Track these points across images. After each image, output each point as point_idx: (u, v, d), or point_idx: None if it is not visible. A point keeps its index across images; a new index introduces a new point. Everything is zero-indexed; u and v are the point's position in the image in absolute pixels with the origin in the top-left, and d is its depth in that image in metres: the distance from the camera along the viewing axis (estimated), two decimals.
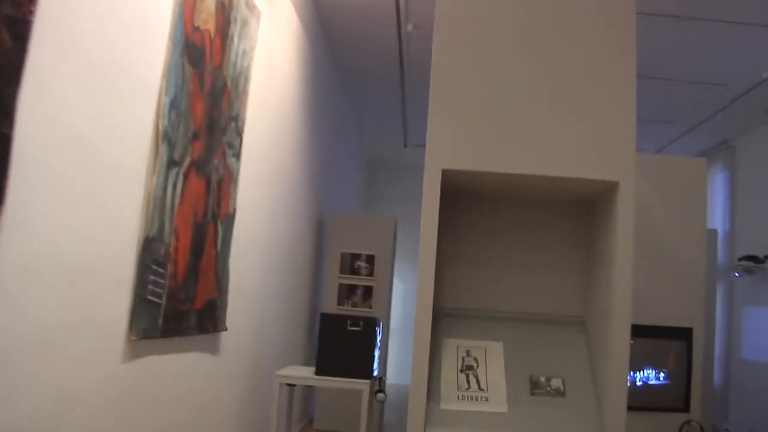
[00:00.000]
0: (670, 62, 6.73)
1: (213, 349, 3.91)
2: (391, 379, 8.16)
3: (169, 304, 3.11)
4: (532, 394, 2.09)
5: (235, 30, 3.76)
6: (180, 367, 3.40)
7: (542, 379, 2.12)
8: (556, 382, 2.12)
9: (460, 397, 2.06)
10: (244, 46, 3.97)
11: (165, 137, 2.95)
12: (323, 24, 6.65)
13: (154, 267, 2.92)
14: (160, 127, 2.90)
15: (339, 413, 7.08)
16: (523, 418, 2.03)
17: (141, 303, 2.83)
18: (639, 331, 3.79)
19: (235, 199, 3.98)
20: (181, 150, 3.13)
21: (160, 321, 3.03)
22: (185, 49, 3.11)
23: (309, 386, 6.14)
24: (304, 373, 4.79)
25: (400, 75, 7.70)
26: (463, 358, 2.16)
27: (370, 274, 7.58)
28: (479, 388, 2.09)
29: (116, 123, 2.59)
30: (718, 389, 8.33)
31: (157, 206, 2.92)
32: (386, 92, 8.45)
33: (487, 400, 2.07)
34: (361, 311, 7.31)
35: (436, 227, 1.99)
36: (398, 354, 11.51)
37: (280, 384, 4.66)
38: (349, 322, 4.77)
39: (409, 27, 6.40)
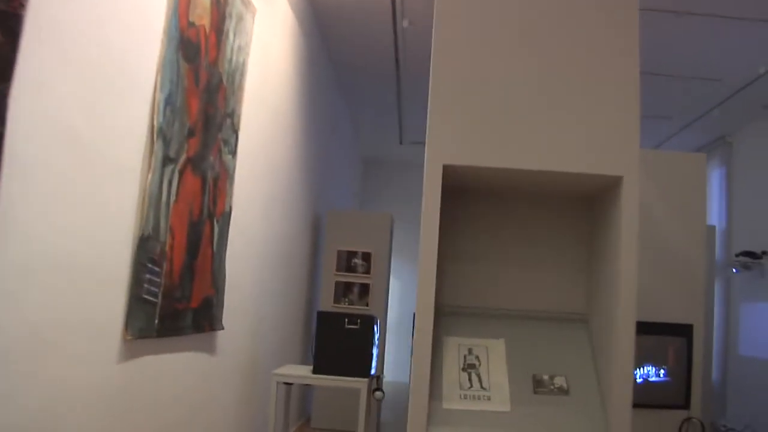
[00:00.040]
0: (667, 57, 6.71)
1: (209, 348, 3.87)
2: (387, 376, 8.14)
3: (165, 303, 3.07)
4: (535, 392, 2.06)
5: (230, 26, 3.72)
6: (176, 366, 3.36)
7: (545, 377, 2.09)
8: (559, 381, 2.08)
9: (462, 396, 2.03)
10: (240, 41, 3.93)
11: (160, 134, 2.91)
12: (318, 20, 6.61)
13: (149, 266, 2.88)
14: (155, 123, 2.86)
15: (336, 411, 7.04)
16: (527, 417, 2.00)
17: (136, 302, 2.80)
18: (639, 328, 3.73)
19: (231, 197, 3.94)
20: (176, 147, 3.09)
21: (156, 320, 2.99)
22: (180, 44, 3.07)
23: (306, 385, 6.11)
24: (302, 372, 4.76)
25: (396, 71, 7.67)
26: (464, 357, 2.13)
27: (367, 271, 7.55)
28: (481, 386, 2.05)
29: (111, 120, 2.55)
30: (716, 385, 8.31)
31: (152, 204, 2.88)
32: (382, 89, 8.41)
33: (489, 399, 2.03)
34: (358, 309, 7.28)
35: (437, 224, 1.96)
36: (395, 351, 11.48)
37: (278, 383, 4.63)
38: (346, 320, 4.74)
39: (405, 23, 6.37)
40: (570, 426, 1.99)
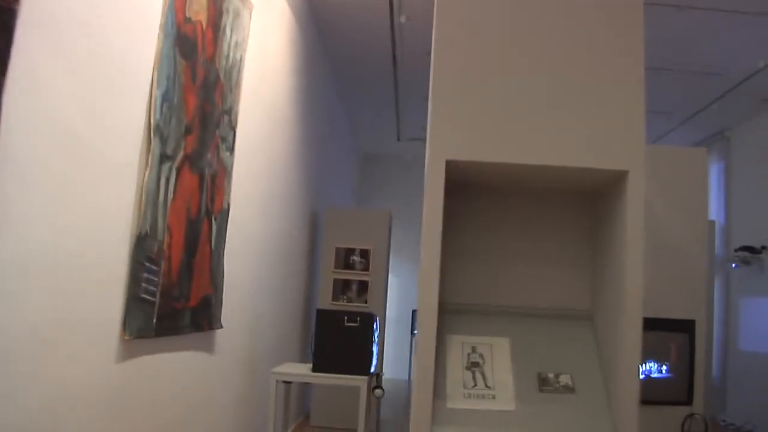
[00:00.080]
0: (666, 52, 6.68)
1: (208, 347, 3.84)
2: (386, 373, 8.11)
3: (163, 302, 3.04)
4: (541, 391, 2.03)
5: (227, 21, 3.68)
6: (175, 366, 3.33)
7: (550, 375, 2.06)
8: (564, 379, 2.05)
9: (466, 395, 2.00)
10: (237, 37, 3.89)
11: (157, 131, 2.87)
12: (315, 15, 6.57)
13: (147, 264, 2.85)
14: (152, 120, 2.83)
15: (336, 409, 7.01)
16: (532, 415, 1.97)
17: (134, 301, 2.76)
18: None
19: (229, 195, 3.91)
20: (173, 144, 3.05)
21: (154, 319, 2.96)
22: (177, 40, 3.03)
23: (305, 383, 6.08)
24: (301, 370, 4.73)
25: (393, 67, 7.64)
26: (468, 355, 2.09)
27: (365, 268, 7.51)
28: (486, 385, 2.02)
29: (107, 117, 2.52)
30: (716, 381, 8.30)
31: (149, 202, 2.84)
32: (379, 85, 8.38)
33: (494, 398, 2.00)
34: (357, 306, 7.24)
35: (440, 221, 1.92)
36: (394, 348, 11.46)
37: (277, 381, 4.60)
38: (345, 318, 4.71)
39: (403, 18, 6.34)
40: (576, 424, 1.96)
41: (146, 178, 2.80)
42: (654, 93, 7.68)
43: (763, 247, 7.82)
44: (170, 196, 3.05)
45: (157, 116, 2.86)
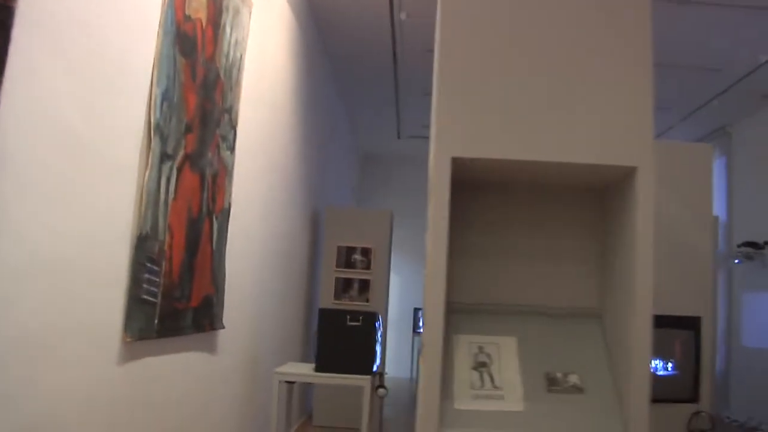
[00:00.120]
0: (667, 47, 6.64)
1: (210, 347, 3.81)
2: (388, 372, 8.08)
3: (165, 303, 3.01)
4: (549, 391, 2.00)
5: (227, 19, 3.65)
6: (177, 367, 3.30)
7: (559, 375, 2.03)
8: (573, 378, 2.02)
9: (474, 396, 1.97)
10: (237, 36, 3.86)
11: (157, 130, 2.84)
12: (314, 13, 6.53)
13: (148, 265, 2.82)
14: (152, 120, 2.79)
15: (338, 409, 6.98)
16: (541, 416, 1.94)
17: (135, 303, 2.73)
18: None
19: (230, 194, 3.88)
20: (173, 144, 3.02)
21: (156, 321, 2.93)
22: (176, 38, 3.00)
23: (308, 382, 6.06)
24: (303, 370, 4.70)
25: (393, 65, 7.60)
26: (475, 355, 2.06)
27: (367, 267, 7.49)
28: (493, 386, 1.99)
29: (106, 116, 2.49)
30: (719, 377, 8.27)
31: (150, 202, 2.81)
32: (379, 83, 8.34)
33: (502, 398, 1.97)
34: (359, 305, 7.21)
35: (447, 219, 1.89)
36: (396, 347, 11.43)
37: (279, 381, 4.57)
38: (348, 317, 4.68)
39: (403, 16, 6.31)
40: (586, 425, 1.93)
41: (147, 177, 2.77)
42: (654, 88, 7.64)
43: (766, 243, 7.80)
44: (171, 195, 3.01)
45: (158, 115, 2.83)
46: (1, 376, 1.94)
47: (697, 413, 3.85)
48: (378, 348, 4.88)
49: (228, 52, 3.71)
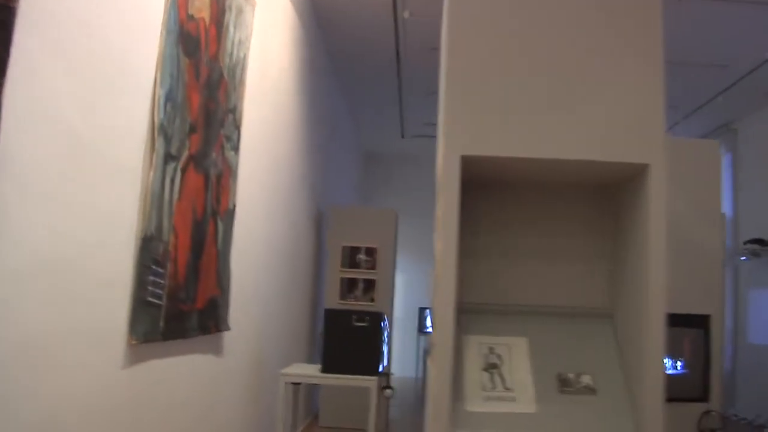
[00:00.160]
0: (671, 43, 6.57)
1: (216, 349, 3.79)
2: (394, 371, 8.06)
3: (170, 305, 2.98)
4: (561, 392, 1.97)
5: (230, 18, 3.62)
6: (183, 369, 3.28)
7: (571, 376, 2.00)
8: (585, 379, 1.99)
9: (485, 398, 1.94)
10: (240, 35, 3.83)
11: (161, 131, 2.81)
12: (317, 12, 6.50)
13: (153, 267, 2.79)
14: (156, 120, 2.77)
15: (344, 409, 6.96)
16: (554, 417, 1.91)
17: (140, 305, 2.70)
18: None
19: (234, 194, 3.85)
20: (177, 144, 2.99)
21: (161, 323, 2.90)
22: (180, 38, 2.97)
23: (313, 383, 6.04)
24: (309, 371, 4.67)
25: (397, 64, 7.57)
26: (485, 356, 2.03)
27: (372, 267, 7.45)
28: (505, 387, 1.96)
29: (110, 116, 2.46)
30: (726, 375, 8.23)
31: (154, 203, 2.78)
32: (382, 82, 8.31)
33: (513, 400, 1.94)
34: (364, 305, 7.19)
35: (457, 219, 1.86)
36: (401, 346, 11.41)
37: (285, 383, 4.55)
38: (354, 317, 4.65)
39: (406, 14, 6.27)
40: (599, 426, 1.90)
41: (151, 178, 2.74)
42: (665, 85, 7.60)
43: None
44: (175, 196, 2.99)
45: (161, 115, 2.80)
46: (2, 381, 1.91)
47: (707, 412, 3.81)
48: (384, 348, 4.85)
49: (231, 52, 3.69)
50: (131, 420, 2.73)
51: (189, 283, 3.19)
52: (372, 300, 7.35)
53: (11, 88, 1.82)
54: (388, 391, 4.61)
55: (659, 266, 1.86)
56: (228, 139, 3.69)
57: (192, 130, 3.15)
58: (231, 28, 3.65)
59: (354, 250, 7.48)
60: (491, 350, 2.04)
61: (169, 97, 2.87)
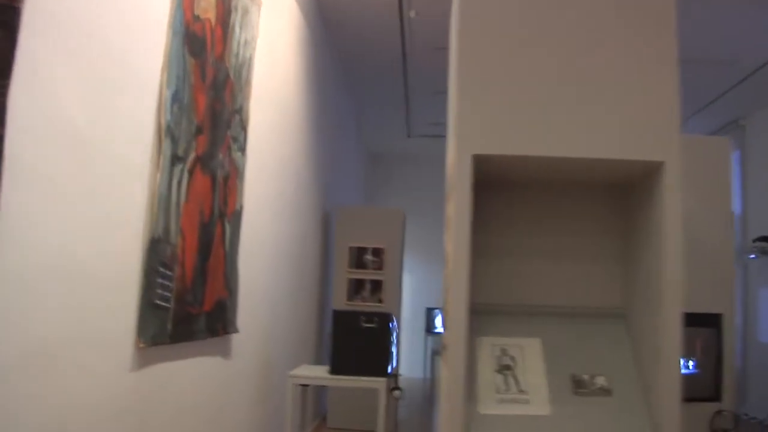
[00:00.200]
0: (679, 40, 6.55)
1: (224, 352, 3.76)
2: (402, 372, 8.03)
3: (178, 308, 2.96)
4: (576, 393, 1.94)
5: (235, 19, 3.60)
6: (191, 372, 3.26)
7: (585, 377, 1.97)
8: (600, 380, 1.97)
9: (499, 400, 1.91)
10: (246, 35, 3.81)
11: (168, 132, 2.79)
12: (323, 11, 6.48)
13: (161, 269, 2.77)
14: (163, 121, 2.75)
15: (353, 410, 6.93)
16: (569, 419, 1.88)
17: (148, 308, 2.68)
18: None
19: (241, 196, 3.83)
20: (184, 145, 2.97)
21: (169, 326, 2.88)
22: (186, 39, 2.95)
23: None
24: (318, 373, 4.65)
25: (403, 63, 7.54)
26: (498, 357, 2.01)
27: (379, 267, 7.42)
28: (519, 389, 1.94)
29: (116, 118, 2.44)
30: (737, 374, 8.18)
31: (162, 205, 2.76)
32: (388, 82, 8.28)
33: (527, 402, 1.91)
34: (372, 306, 7.16)
35: (469, 219, 1.84)
36: (408, 347, 11.38)
37: (294, 385, 4.52)
38: (362, 318, 4.63)
39: (412, 14, 6.25)
40: (616, 428, 1.88)
41: (158, 180, 2.72)
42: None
43: None
44: (183, 198, 2.97)
45: (168, 117, 2.78)
46: (10, 385, 1.89)
47: (719, 412, 3.78)
48: (393, 349, 4.82)
49: (237, 52, 3.67)
50: (139, 423, 2.71)
51: (197, 285, 3.17)
52: (380, 301, 7.32)
53: (17, 90, 1.80)
54: (397, 393, 4.59)
55: (675, 264, 1.83)
56: (235, 140, 3.67)
57: (198, 131, 3.13)
58: (237, 29, 3.63)
59: (361, 251, 7.45)
60: (504, 352, 2.02)
61: (175, 99, 2.85)
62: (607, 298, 2.13)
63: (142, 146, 2.64)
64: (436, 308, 10.56)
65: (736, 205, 8.68)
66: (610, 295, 2.13)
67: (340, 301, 7.30)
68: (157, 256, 2.74)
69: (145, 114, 2.65)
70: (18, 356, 1.90)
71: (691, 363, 3.89)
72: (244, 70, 3.80)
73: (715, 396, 3.89)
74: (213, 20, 3.26)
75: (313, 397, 6.66)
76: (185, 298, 3.04)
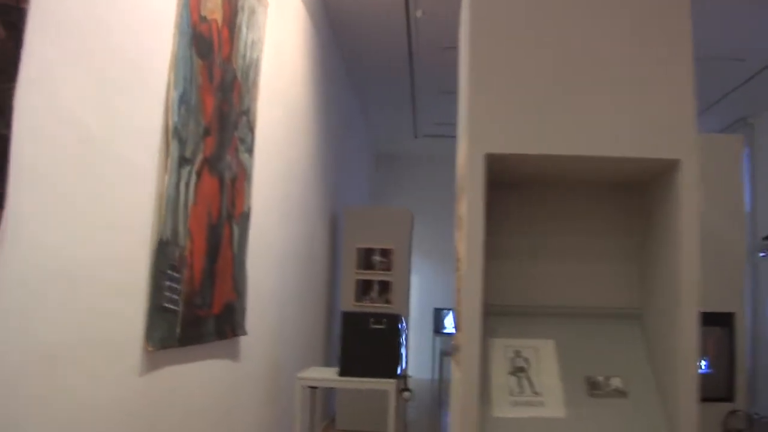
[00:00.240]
0: None
1: (233, 354, 3.74)
2: (410, 373, 8.00)
3: (186, 311, 2.94)
4: (591, 395, 1.91)
5: (242, 20, 3.58)
6: (200, 375, 3.24)
7: (600, 378, 1.94)
8: (615, 382, 1.94)
9: (513, 403, 1.88)
10: (253, 36, 3.79)
11: (175, 134, 2.77)
12: (329, 12, 6.46)
13: (169, 272, 2.75)
14: (170, 123, 2.73)
15: (362, 412, 6.90)
16: (584, 422, 1.85)
17: (157, 311, 2.66)
18: None
19: (249, 197, 3.81)
20: (192, 147, 2.95)
21: (178, 329, 2.86)
22: (193, 40, 2.93)
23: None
24: (327, 374, 4.62)
25: (409, 63, 7.52)
26: (511, 359, 1.98)
27: (387, 268, 7.39)
28: (533, 391, 1.91)
29: (123, 120, 2.42)
30: (747, 373, 8.12)
31: (170, 207, 2.74)
32: (395, 82, 8.26)
33: (542, 404, 1.88)
34: (380, 307, 7.13)
35: (482, 219, 1.81)
36: (416, 347, 11.34)
37: (303, 387, 4.50)
38: (371, 319, 4.60)
39: (419, 13, 6.22)
40: (631, 430, 1.85)
41: (166, 182, 2.70)
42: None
43: None
44: (191, 200, 2.95)
45: (175, 118, 2.76)
46: (19, 389, 1.87)
47: (732, 412, 3.74)
48: (403, 351, 4.80)
49: (244, 53, 3.65)
50: (148, 427, 2.69)
51: (205, 288, 3.15)
52: (388, 302, 7.29)
53: (23, 92, 1.78)
54: (406, 394, 4.56)
55: (693, 263, 1.80)
56: (242, 141, 3.65)
57: (206, 132, 3.11)
58: (244, 30, 3.61)
59: (369, 252, 7.42)
60: (517, 353, 1.99)
61: (183, 100, 2.83)
62: (621, 299, 2.10)
63: (149, 148, 2.62)
64: (445, 309, 10.52)
65: (745, 203, 8.62)
66: (625, 296, 2.10)
67: (348, 302, 7.28)
68: (165, 258, 2.72)
69: (152, 115, 2.63)
70: (24, 360, 1.88)
71: (703, 363, 3.85)
72: (251, 71, 3.78)
73: (728, 396, 3.86)
74: (220, 21, 3.24)
75: (322, 399, 6.64)
76: (194, 300, 3.02)
